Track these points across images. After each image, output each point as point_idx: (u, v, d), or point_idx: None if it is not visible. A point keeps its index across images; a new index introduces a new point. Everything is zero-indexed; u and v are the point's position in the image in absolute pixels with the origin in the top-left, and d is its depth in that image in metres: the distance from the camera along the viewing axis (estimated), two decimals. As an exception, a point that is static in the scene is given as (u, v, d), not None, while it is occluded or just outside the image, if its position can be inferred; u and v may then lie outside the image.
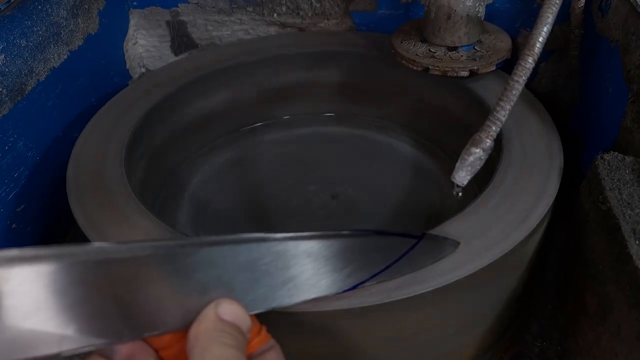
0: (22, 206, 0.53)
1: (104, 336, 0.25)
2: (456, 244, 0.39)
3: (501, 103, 0.42)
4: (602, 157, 0.43)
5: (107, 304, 0.24)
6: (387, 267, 0.34)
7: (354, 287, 0.33)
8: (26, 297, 0.22)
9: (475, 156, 0.42)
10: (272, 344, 0.30)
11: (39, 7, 0.55)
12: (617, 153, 0.43)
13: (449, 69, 0.55)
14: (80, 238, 0.43)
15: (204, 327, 0.26)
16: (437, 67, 0.55)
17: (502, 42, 0.58)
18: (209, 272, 0.27)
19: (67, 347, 0.23)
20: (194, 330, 0.26)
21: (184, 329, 0.27)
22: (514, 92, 0.42)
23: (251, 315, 0.29)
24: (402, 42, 0.59)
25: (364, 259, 0.33)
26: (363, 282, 0.33)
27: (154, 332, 0.26)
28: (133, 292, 0.25)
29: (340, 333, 0.38)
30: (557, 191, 0.44)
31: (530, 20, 0.61)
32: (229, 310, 0.27)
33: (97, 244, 0.25)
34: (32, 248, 0.23)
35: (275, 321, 0.31)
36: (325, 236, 0.31)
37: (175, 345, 0.28)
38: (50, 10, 0.56)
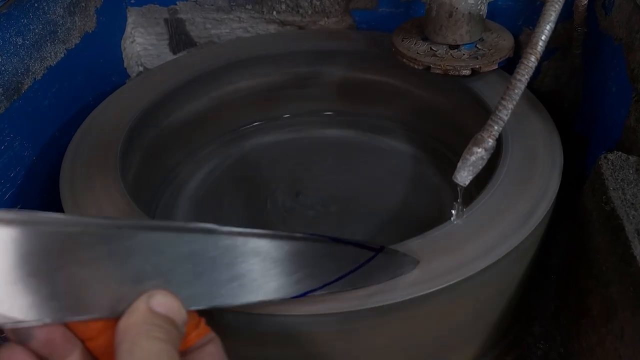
0: (19, 206, 0.53)
1: (25, 313, 0.23)
2: (415, 262, 0.37)
3: (503, 102, 0.42)
4: (605, 157, 0.43)
5: (33, 279, 0.23)
6: (340, 278, 0.33)
7: (303, 295, 0.31)
8: None
9: (477, 156, 0.42)
10: (212, 336, 0.28)
11: (36, 4, 0.55)
12: (620, 153, 0.43)
13: (451, 68, 0.55)
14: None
15: (133, 320, 0.25)
16: (439, 65, 0.55)
17: (505, 41, 0.58)
18: (146, 259, 0.26)
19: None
20: (123, 323, 0.25)
21: (114, 318, 0.25)
22: (516, 91, 0.42)
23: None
24: (403, 41, 0.59)
25: (317, 266, 0.31)
26: (313, 290, 0.31)
27: (78, 317, 0.25)
28: (59, 269, 0.24)
29: (318, 341, 0.38)
30: (557, 191, 0.44)
31: (533, 18, 0.60)
32: (163, 302, 0.26)
33: (33, 213, 0.23)
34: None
35: (222, 317, 0.30)
36: (276, 236, 0.29)
37: (103, 335, 0.26)
38: (46, 8, 0.56)
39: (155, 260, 0.26)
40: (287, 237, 0.30)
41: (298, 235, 0.30)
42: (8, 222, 0.22)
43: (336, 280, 0.32)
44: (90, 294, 0.25)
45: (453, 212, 0.42)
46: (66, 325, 0.25)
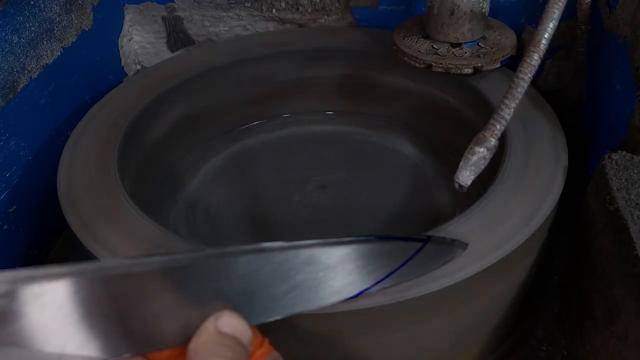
0: (14, 207, 0.53)
1: (103, 352, 0.25)
2: (464, 245, 0.38)
3: (506, 101, 0.42)
4: (609, 157, 0.43)
5: (107, 320, 0.25)
6: (391, 273, 0.34)
7: (358, 295, 0.33)
8: (28, 317, 0.23)
9: (479, 155, 0.42)
10: (275, 356, 0.30)
11: (32, 2, 0.55)
12: (625, 152, 0.43)
13: (453, 66, 0.55)
14: (74, 240, 0.43)
15: (203, 341, 0.27)
16: (440, 64, 0.55)
17: (507, 39, 0.58)
18: (207, 286, 0.28)
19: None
20: (194, 344, 0.27)
21: (183, 343, 0.27)
22: (519, 89, 0.42)
23: (252, 328, 0.29)
24: (404, 39, 0.59)
25: (368, 266, 0.33)
26: (367, 289, 0.33)
27: (153, 348, 0.27)
28: (132, 308, 0.26)
29: (344, 337, 0.38)
30: (561, 191, 0.44)
31: (536, 16, 0.60)
32: (229, 323, 0.27)
33: (96, 262, 0.25)
34: (30, 269, 0.24)
35: (280, 329, 0.31)
36: (326, 244, 0.31)
37: (175, 359, 0.28)
38: (42, 5, 0.56)
39: (215, 285, 0.28)
40: (336, 243, 0.31)
41: (346, 239, 0.32)
42: (71, 275, 0.24)
43: (388, 275, 0.34)
44: (160, 326, 0.27)
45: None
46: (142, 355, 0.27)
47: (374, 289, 0.33)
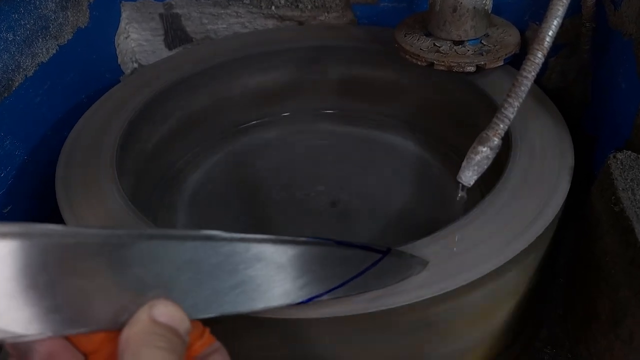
0: (9, 207, 0.53)
1: (22, 328, 0.23)
2: (424, 263, 0.37)
3: (509, 100, 0.42)
4: (614, 156, 0.43)
5: (28, 291, 0.23)
6: (346, 282, 0.32)
7: (308, 300, 0.31)
8: None
9: (482, 155, 0.42)
10: (217, 346, 0.29)
11: (27, -1, 0.55)
12: (630, 152, 0.43)
13: (455, 64, 0.55)
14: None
15: (135, 330, 0.25)
16: (443, 62, 0.55)
17: (511, 36, 0.58)
18: (147, 269, 0.26)
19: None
20: (125, 334, 0.25)
21: (115, 329, 0.25)
22: (522, 88, 0.42)
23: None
24: (405, 36, 0.59)
25: (322, 271, 0.31)
26: (318, 296, 0.31)
27: (80, 330, 0.25)
28: (58, 281, 0.24)
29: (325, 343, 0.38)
30: (567, 192, 0.44)
31: (540, 13, 0.60)
32: (165, 312, 0.26)
33: (27, 225, 0.23)
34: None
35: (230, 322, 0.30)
36: (278, 241, 0.29)
37: (106, 348, 0.26)
38: (38, 2, 0.56)
39: (156, 269, 0.26)
40: (289, 242, 0.30)
41: (301, 239, 0.30)
42: (3, 235, 0.22)
43: (342, 284, 0.32)
44: (91, 306, 0.25)
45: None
46: (68, 339, 0.26)
47: (326, 296, 0.32)
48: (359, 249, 0.33)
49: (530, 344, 0.52)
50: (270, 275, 0.29)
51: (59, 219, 0.44)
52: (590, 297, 0.46)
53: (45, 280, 0.23)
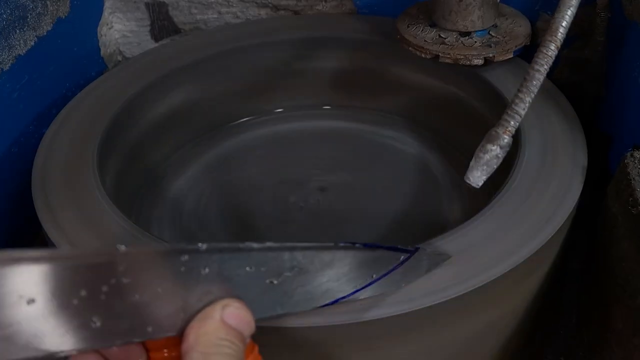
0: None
1: (100, 338, 0.26)
2: (447, 257, 0.39)
3: (520, 95, 0.42)
4: (632, 155, 0.43)
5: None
6: (371, 283, 0.34)
7: (334, 302, 0.33)
8: (27, 297, 0.24)
9: (491, 154, 0.42)
10: None
11: (3, -13, 0.54)
12: (648, 150, 0.43)
13: (462, 57, 0.55)
14: (48, 243, 0.43)
15: (206, 330, 0.27)
16: (448, 54, 0.55)
17: (521, 27, 0.58)
18: (213, 280, 0.28)
19: (65, 348, 0.25)
20: (195, 331, 0.27)
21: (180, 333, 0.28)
22: (534, 82, 0.42)
23: None
24: (408, 27, 0.59)
25: (348, 274, 0.33)
26: (343, 297, 0.33)
27: (149, 337, 0.27)
28: (130, 295, 0.26)
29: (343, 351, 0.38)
30: (580, 193, 0.44)
31: (552, 3, 0.60)
32: (236, 314, 0.28)
33: (95, 248, 0.27)
34: (34, 250, 0.24)
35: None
36: (307, 248, 0.31)
37: (170, 347, 0.29)
38: (15, -9, 0.56)
39: (220, 279, 0.29)
40: (317, 248, 0.32)
41: (328, 244, 0.32)
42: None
43: (368, 285, 0.34)
44: (160, 314, 0.27)
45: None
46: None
47: (351, 297, 0.34)
48: (386, 250, 0.35)
49: (542, 355, 0.52)
50: (297, 281, 0.31)
51: (36, 219, 0.44)
52: (606, 304, 0.46)
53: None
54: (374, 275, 0.34)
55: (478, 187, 0.43)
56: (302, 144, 0.67)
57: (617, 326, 0.43)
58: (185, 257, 0.27)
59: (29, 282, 0.24)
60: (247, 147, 0.67)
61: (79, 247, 0.28)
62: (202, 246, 0.28)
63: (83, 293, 0.25)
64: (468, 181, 0.43)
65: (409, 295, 0.36)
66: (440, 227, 0.55)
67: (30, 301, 0.24)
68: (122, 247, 0.26)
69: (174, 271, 0.27)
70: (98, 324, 0.25)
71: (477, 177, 0.43)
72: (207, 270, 0.28)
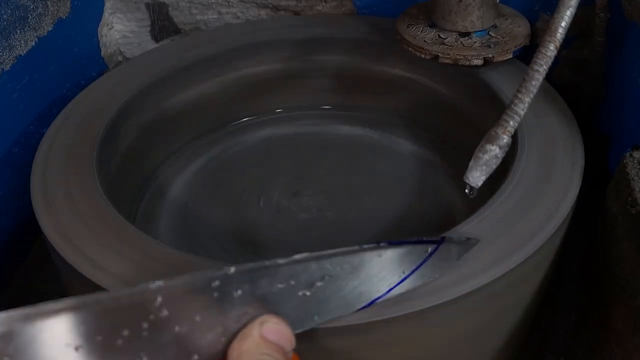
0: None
1: None
2: (477, 242, 0.39)
3: (519, 95, 0.42)
4: (631, 155, 0.43)
5: (147, 342, 0.26)
6: (404, 279, 0.35)
7: (370, 304, 0.34)
8: (74, 345, 0.25)
9: (490, 154, 0.42)
10: None
11: (3, -12, 0.54)
12: (648, 150, 0.43)
13: (461, 57, 0.55)
14: (47, 246, 0.43)
15: (247, 347, 0.28)
16: (448, 54, 0.55)
17: (520, 27, 0.58)
18: (247, 301, 0.29)
19: None
20: (236, 349, 0.28)
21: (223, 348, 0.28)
22: (534, 82, 0.42)
23: None
24: (408, 27, 0.59)
25: (379, 274, 0.34)
26: (379, 297, 0.34)
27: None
28: (170, 327, 0.27)
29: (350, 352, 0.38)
30: (577, 193, 0.44)
31: (551, 3, 0.60)
32: (275, 330, 0.29)
33: (129, 289, 0.26)
34: (72, 298, 0.25)
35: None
36: (333, 254, 0.32)
37: None
38: (16, -9, 0.56)
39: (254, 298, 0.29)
40: (344, 253, 0.32)
41: (354, 248, 0.33)
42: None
43: (401, 281, 0.35)
44: (198, 343, 0.28)
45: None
46: None
47: (386, 296, 0.34)
48: (413, 245, 0.35)
49: (542, 355, 0.52)
50: (330, 288, 0.32)
51: (36, 219, 0.44)
52: (606, 304, 0.46)
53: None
54: (405, 271, 0.35)
55: (477, 187, 0.43)
56: (302, 145, 0.67)
57: (617, 326, 0.43)
58: (217, 283, 0.28)
59: (73, 330, 0.25)
60: (246, 147, 0.67)
61: (113, 289, 0.28)
62: (231, 269, 0.28)
63: (125, 333, 0.26)
64: (467, 181, 0.43)
65: (409, 295, 0.36)
66: (440, 227, 0.55)
67: (78, 348, 0.25)
68: (154, 284, 0.26)
69: (207, 298, 0.28)
70: (145, 359, 0.26)
71: (476, 177, 0.43)
72: (239, 292, 0.28)
